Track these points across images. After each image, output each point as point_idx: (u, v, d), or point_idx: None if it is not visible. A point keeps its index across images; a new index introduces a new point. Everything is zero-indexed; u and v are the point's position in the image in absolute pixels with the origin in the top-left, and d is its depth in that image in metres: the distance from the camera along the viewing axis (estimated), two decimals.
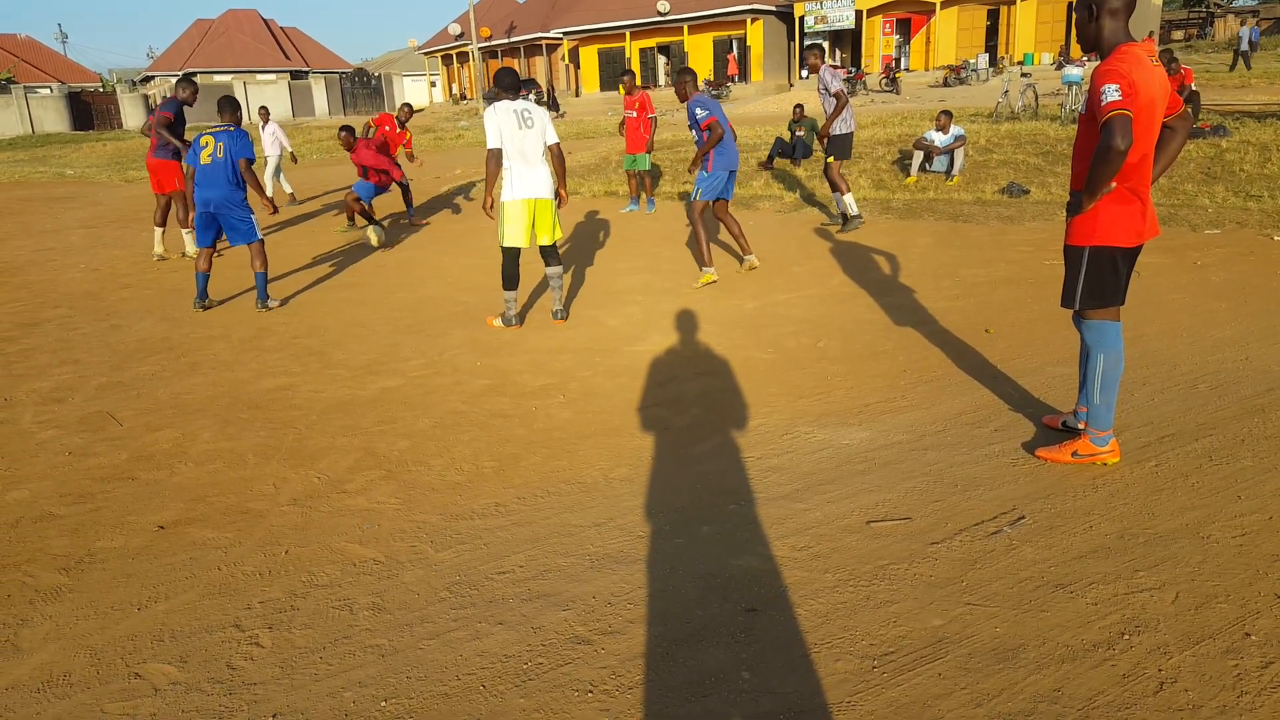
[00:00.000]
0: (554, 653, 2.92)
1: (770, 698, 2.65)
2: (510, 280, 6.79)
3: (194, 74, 55.09)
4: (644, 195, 12.49)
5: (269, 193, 13.15)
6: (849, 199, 9.89)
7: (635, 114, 11.84)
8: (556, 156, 6.75)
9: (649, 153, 12.12)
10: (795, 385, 5.34)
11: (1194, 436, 4.27)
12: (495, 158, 6.47)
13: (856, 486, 3.99)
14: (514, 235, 6.62)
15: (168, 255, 10.43)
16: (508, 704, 2.68)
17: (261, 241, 7.73)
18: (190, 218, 9.85)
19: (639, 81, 12.66)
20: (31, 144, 36.53)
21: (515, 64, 54.13)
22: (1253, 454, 4.04)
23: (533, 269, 8.10)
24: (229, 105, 7.62)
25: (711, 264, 7.94)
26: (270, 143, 14.51)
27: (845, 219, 10.01)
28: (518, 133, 6.48)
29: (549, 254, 6.93)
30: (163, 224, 10.40)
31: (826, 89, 9.49)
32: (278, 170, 14.79)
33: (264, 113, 14.95)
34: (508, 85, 6.58)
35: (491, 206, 6.62)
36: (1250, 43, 30.33)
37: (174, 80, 52.23)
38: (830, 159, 9.67)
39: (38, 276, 9.65)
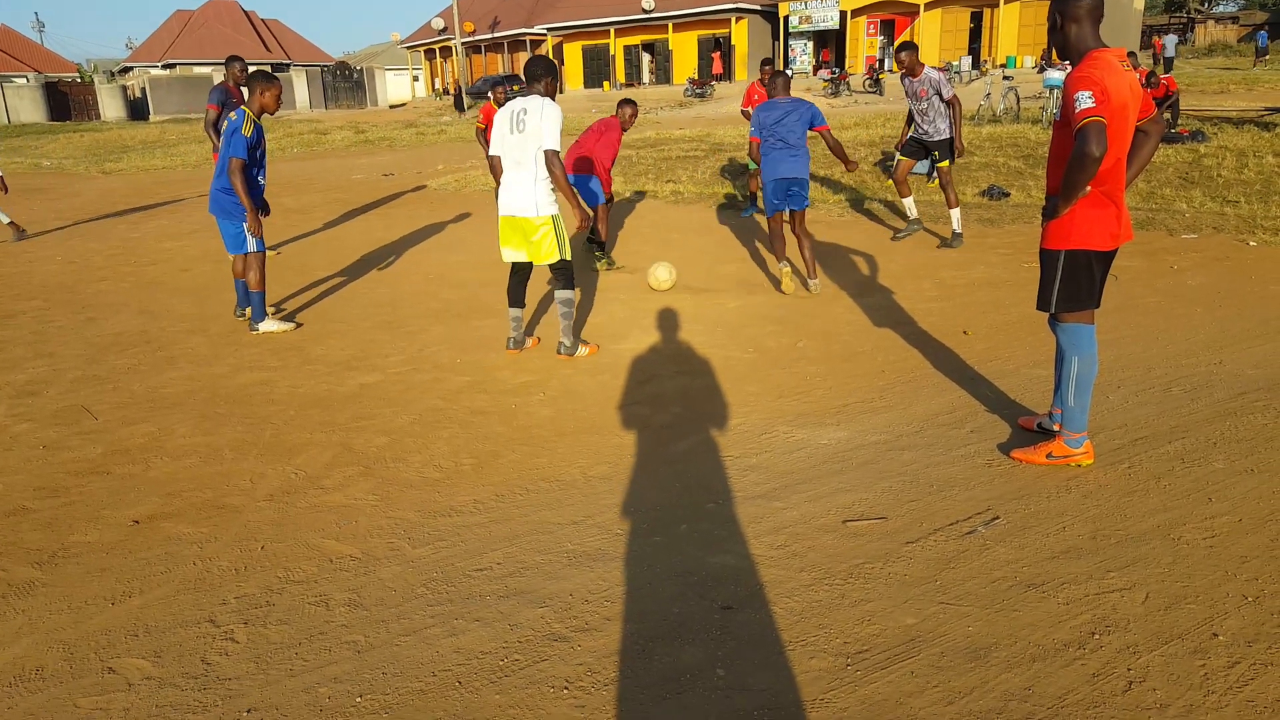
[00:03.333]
0: (530, 649, 2.93)
1: (745, 694, 2.66)
2: (509, 296, 6.03)
3: (173, 64, 54.65)
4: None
5: None
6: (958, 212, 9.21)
7: None
8: (549, 164, 5.48)
9: None
10: (774, 385, 5.37)
11: (1167, 439, 4.32)
12: (494, 163, 5.72)
13: (833, 486, 4.02)
14: (505, 251, 5.86)
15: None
16: (483, 700, 2.69)
17: (254, 255, 6.62)
18: None
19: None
20: (7, 134, 36.17)
21: (499, 60, 54.03)
22: (1224, 457, 4.09)
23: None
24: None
25: (784, 267, 7.43)
26: None
27: (958, 234, 9.17)
28: (508, 137, 5.57)
29: (554, 272, 5.88)
30: None
31: (939, 94, 8.66)
32: None
33: None
34: (528, 76, 5.62)
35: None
36: (1176, 50, 32.95)
37: (153, 72, 51.76)
38: (946, 164, 9.00)
39: (12, 268, 9.55)
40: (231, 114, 6.47)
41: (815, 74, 40.73)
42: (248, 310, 7.00)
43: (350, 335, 6.72)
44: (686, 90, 38.27)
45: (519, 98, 5.63)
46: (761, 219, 11.07)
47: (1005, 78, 20.57)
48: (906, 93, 8.92)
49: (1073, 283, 3.88)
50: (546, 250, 5.73)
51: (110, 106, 47.59)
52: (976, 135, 15.52)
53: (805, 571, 3.32)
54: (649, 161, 16.09)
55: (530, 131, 5.49)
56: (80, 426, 5.01)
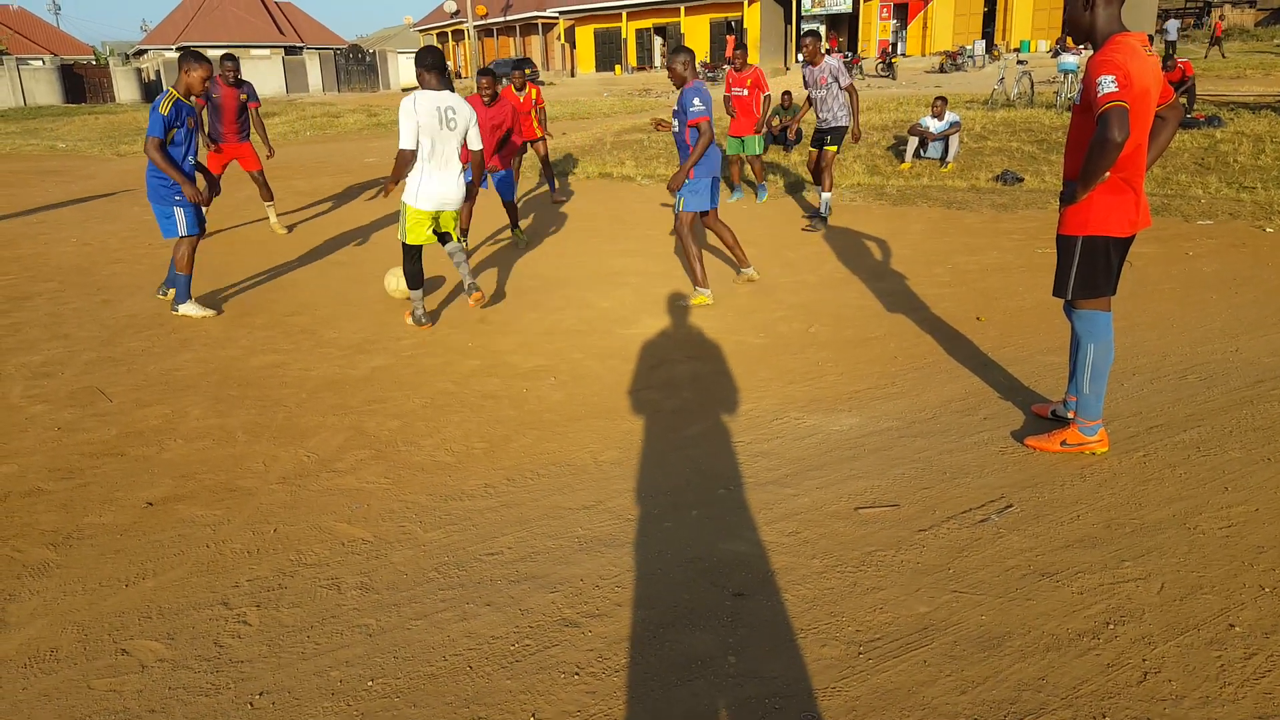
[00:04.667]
0: (541, 634, 2.93)
1: (756, 682, 2.66)
2: (416, 278, 6.25)
3: (187, 47, 54.61)
4: (750, 183, 11.58)
5: None
6: (829, 196, 9.56)
7: (746, 92, 10.61)
8: (477, 165, 6.13)
9: (759, 134, 10.96)
10: (786, 370, 5.35)
11: (1182, 427, 4.29)
12: (408, 161, 5.73)
13: (845, 473, 4.00)
14: (418, 237, 6.04)
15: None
16: (494, 685, 2.69)
17: (182, 240, 6.54)
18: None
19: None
20: (23, 116, 36.22)
21: (511, 43, 53.88)
22: (1240, 445, 4.06)
23: (508, 253, 8.04)
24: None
25: (706, 284, 6.80)
26: None
27: (823, 217, 9.53)
28: (438, 133, 5.75)
29: (452, 238, 6.28)
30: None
31: (836, 81, 8.94)
32: None
33: None
34: (430, 66, 5.73)
35: (392, 191, 6.07)
36: (1180, 34, 32.90)
37: (167, 54, 51.72)
38: (833, 149, 9.22)
39: (28, 250, 9.58)
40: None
41: (828, 54, 40.42)
42: (170, 291, 7.01)
43: (362, 318, 6.72)
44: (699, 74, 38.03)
45: (433, 93, 5.75)
46: (755, 200, 11.02)
47: (1019, 62, 20.38)
48: (806, 81, 9.16)
49: (1090, 269, 3.84)
50: (452, 225, 6.21)
51: (125, 89, 47.58)
52: (990, 120, 15.40)
53: (817, 559, 3.31)
54: (660, 145, 16.02)
55: (460, 129, 5.89)
56: (95, 408, 5.03)
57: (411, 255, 6.17)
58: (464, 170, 6.05)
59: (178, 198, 6.43)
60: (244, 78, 9.61)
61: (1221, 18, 38.77)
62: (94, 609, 3.14)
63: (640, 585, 3.19)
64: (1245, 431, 4.20)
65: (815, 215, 9.72)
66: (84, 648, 2.92)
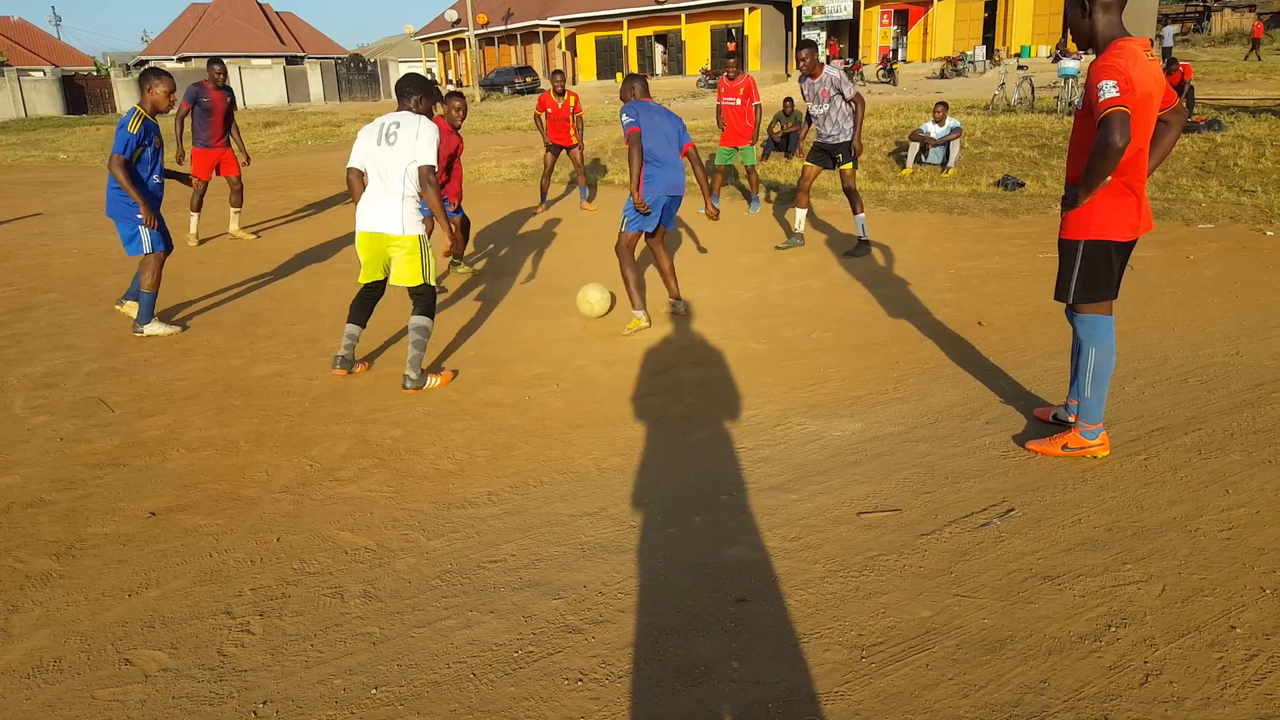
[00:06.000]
0: (545, 641, 2.93)
1: (759, 687, 2.66)
2: (351, 311, 5.60)
3: (188, 58, 54.79)
4: (746, 192, 11.41)
5: None
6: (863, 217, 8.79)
7: (740, 101, 10.42)
8: (424, 181, 5.17)
9: (754, 144, 10.84)
10: (789, 376, 5.35)
11: (1183, 430, 4.29)
12: (353, 177, 5.35)
13: (848, 478, 4.00)
14: (363, 271, 5.51)
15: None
16: (498, 692, 2.69)
17: (149, 256, 6.41)
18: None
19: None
20: (24, 127, 36.32)
21: (512, 51, 54.03)
22: (1241, 448, 4.06)
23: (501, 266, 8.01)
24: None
25: (643, 307, 6.44)
26: None
27: (865, 241, 8.75)
28: (374, 149, 5.22)
29: (414, 298, 5.42)
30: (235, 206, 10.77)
31: (840, 94, 8.25)
32: None
33: None
34: (405, 93, 5.40)
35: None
36: (1177, 39, 33.45)
37: (169, 65, 51.83)
38: (849, 166, 8.55)
39: (30, 261, 9.61)
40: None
41: (828, 64, 40.49)
42: (127, 303, 6.80)
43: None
44: (699, 81, 38.13)
45: (391, 113, 5.35)
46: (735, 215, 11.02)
47: (1020, 67, 20.44)
48: (805, 95, 8.52)
49: (1091, 273, 3.85)
50: (409, 272, 5.33)
51: (126, 99, 47.68)
52: (990, 125, 15.43)
53: (819, 564, 3.32)
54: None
55: (402, 145, 5.17)
56: (97, 418, 5.04)
57: (360, 290, 5.60)
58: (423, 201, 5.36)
59: (139, 215, 6.31)
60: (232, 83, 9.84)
61: (1260, 18, 38.61)
62: (97, 619, 3.14)
63: (643, 591, 3.20)
64: (1246, 434, 4.20)
65: (794, 238, 9.12)
66: (87, 658, 2.92)
